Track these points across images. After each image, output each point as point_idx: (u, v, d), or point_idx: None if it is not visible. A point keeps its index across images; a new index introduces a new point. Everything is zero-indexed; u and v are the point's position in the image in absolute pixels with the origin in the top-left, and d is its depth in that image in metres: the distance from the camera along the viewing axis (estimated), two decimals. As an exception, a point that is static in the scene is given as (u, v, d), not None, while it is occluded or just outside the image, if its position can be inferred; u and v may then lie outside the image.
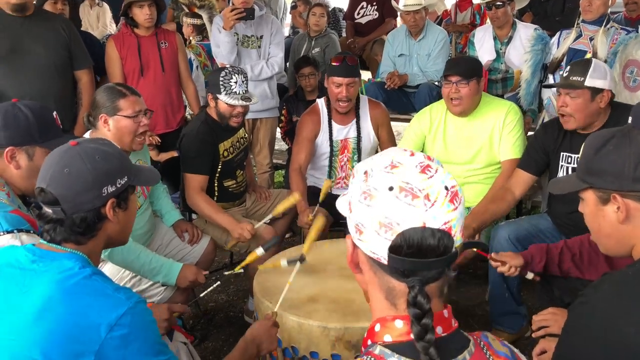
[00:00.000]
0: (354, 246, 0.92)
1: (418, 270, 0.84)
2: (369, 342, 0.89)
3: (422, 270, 0.84)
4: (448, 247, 0.84)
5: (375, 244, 0.86)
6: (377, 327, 0.88)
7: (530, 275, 2.12)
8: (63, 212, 1.27)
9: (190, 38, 4.86)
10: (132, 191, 1.40)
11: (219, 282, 2.26)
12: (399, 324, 0.86)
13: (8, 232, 1.58)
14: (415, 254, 0.83)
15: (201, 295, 2.29)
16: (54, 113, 1.83)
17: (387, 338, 0.86)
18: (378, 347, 0.86)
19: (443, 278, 0.88)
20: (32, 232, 1.64)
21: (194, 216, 2.97)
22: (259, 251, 2.17)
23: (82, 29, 4.70)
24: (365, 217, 0.86)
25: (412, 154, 0.89)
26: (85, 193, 1.28)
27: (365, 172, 0.89)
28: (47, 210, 1.29)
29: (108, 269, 2.26)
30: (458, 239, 0.86)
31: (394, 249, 0.84)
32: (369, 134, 3.14)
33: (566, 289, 2.12)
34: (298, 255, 2.02)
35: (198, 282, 2.32)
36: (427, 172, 0.86)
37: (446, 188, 0.85)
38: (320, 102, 3.15)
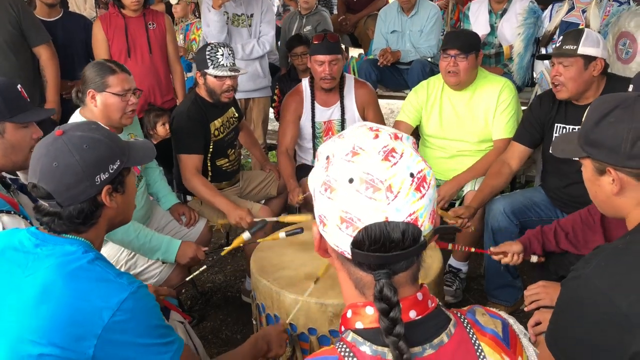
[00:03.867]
0: (320, 234, 0.87)
1: (384, 263, 0.81)
2: (343, 328, 0.87)
3: (388, 264, 0.81)
4: (415, 239, 0.80)
5: (337, 238, 0.82)
6: (349, 314, 0.86)
7: (534, 258, 2.13)
8: (59, 205, 1.26)
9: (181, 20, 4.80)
10: (127, 173, 1.37)
11: (205, 267, 2.27)
12: (370, 310, 0.84)
13: None
14: (379, 248, 0.79)
15: (187, 278, 2.29)
16: (18, 86, 1.76)
17: (359, 325, 0.84)
18: (350, 334, 0.84)
19: (415, 265, 0.85)
20: (12, 212, 1.61)
21: (188, 197, 2.96)
22: (246, 235, 2.13)
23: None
24: (326, 210, 0.82)
25: (377, 136, 0.83)
26: (77, 185, 1.25)
27: (327, 158, 0.84)
28: (43, 203, 1.28)
29: (105, 251, 2.25)
30: (427, 227, 0.82)
31: (356, 245, 0.80)
32: (353, 116, 3.10)
33: (561, 262, 2.14)
34: (299, 229, 2.05)
35: (198, 259, 2.33)
36: (390, 159, 0.80)
37: (412, 175, 0.80)
38: (304, 83, 3.12)
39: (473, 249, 2.34)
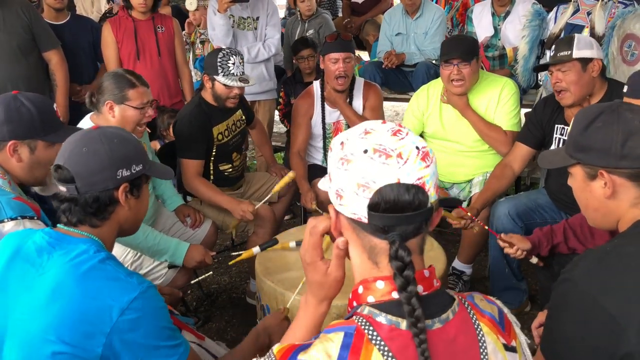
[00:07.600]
0: (337, 214, 0.97)
1: (396, 225, 0.89)
2: (354, 303, 0.94)
3: (400, 225, 0.89)
4: (423, 202, 0.89)
5: (355, 204, 0.91)
6: (360, 289, 0.93)
7: (534, 260, 2.14)
8: (77, 190, 1.29)
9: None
10: (145, 180, 1.43)
11: (210, 272, 2.31)
12: (380, 284, 0.91)
13: (12, 219, 1.60)
14: (392, 209, 0.88)
15: (192, 282, 2.28)
16: (54, 105, 1.85)
17: (371, 299, 0.91)
18: (366, 308, 0.91)
19: (421, 234, 0.93)
20: (35, 218, 1.65)
21: (188, 198, 2.97)
22: (255, 250, 2.12)
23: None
24: (344, 182, 0.92)
25: (384, 122, 0.96)
26: (99, 172, 1.30)
27: (342, 143, 0.94)
28: (62, 188, 1.31)
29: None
30: (432, 194, 0.91)
31: (372, 207, 0.89)
32: None
33: (565, 264, 2.13)
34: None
35: (205, 263, 2.34)
36: (399, 135, 0.92)
37: (417, 148, 0.91)
38: (316, 85, 3.16)
39: (487, 227, 2.37)
